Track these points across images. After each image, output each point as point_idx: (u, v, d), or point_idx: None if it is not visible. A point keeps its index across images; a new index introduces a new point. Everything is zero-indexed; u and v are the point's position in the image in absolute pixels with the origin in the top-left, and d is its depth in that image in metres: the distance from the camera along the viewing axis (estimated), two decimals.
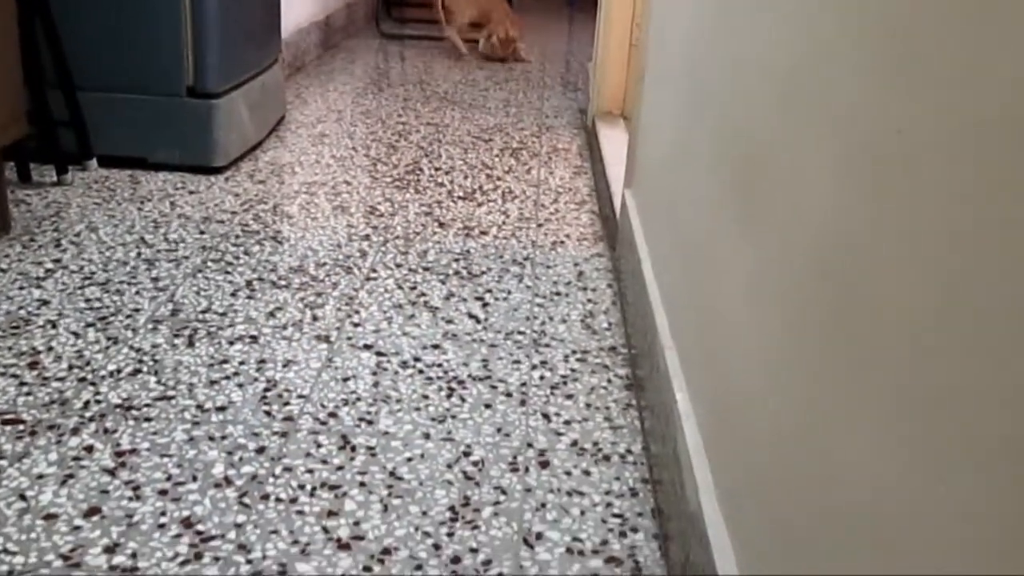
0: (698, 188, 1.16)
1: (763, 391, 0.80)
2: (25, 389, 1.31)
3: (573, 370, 1.46)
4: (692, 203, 1.18)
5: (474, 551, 1.05)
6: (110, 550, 1.02)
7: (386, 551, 1.05)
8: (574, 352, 1.52)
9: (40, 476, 1.14)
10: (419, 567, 1.02)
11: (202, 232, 1.92)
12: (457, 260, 1.86)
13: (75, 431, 1.23)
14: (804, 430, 0.68)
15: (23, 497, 1.10)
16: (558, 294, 1.74)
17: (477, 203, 2.21)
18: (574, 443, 1.27)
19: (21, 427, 1.23)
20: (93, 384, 1.34)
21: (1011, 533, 0.41)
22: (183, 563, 1.01)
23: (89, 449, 1.19)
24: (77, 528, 1.05)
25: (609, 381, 1.43)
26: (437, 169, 2.46)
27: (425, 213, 2.13)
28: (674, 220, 1.30)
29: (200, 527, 1.06)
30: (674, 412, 1.09)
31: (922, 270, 0.51)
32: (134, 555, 1.02)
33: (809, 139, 0.73)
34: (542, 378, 1.43)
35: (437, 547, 1.05)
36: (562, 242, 2.00)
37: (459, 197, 2.25)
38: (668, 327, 1.25)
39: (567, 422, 1.31)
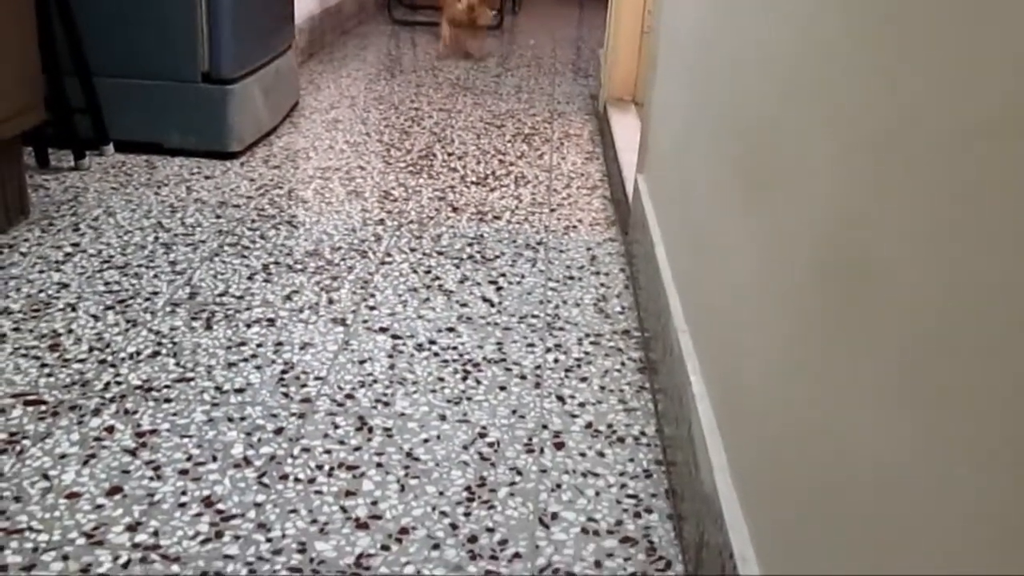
0: (708, 174, 1.16)
1: (775, 373, 0.80)
2: (47, 371, 1.33)
3: (587, 353, 1.47)
4: (702, 188, 1.19)
5: (490, 530, 1.07)
6: (132, 528, 1.04)
7: (403, 530, 1.06)
8: (588, 335, 1.53)
9: (63, 456, 1.15)
10: (436, 546, 1.04)
11: (218, 216, 1.94)
12: (471, 244, 1.87)
13: (96, 412, 1.24)
14: (816, 411, 0.69)
15: (46, 476, 1.12)
16: (571, 278, 1.75)
17: (490, 188, 2.22)
18: (588, 425, 1.28)
19: (43, 408, 1.25)
20: (113, 366, 1.35)
21: (1012, 522, 0.42)
22: (204, 541, 1.03)
23: (110, 430, 1.21)
24: (100, 507, 1.07)
25: (623, 364, 1.44)
26: (450, 154, 2.47)
27: (439, 198, 2.14)
28: (686, 205, 1.31)
29: (220, 506, 1.08)
30: (688, 394, 1.10)
31: (925, 256, 0.52)
32: (156, 533, 1.04)
33: (814, 128, 0.74)
34: (556, 361, 1.44)
35: (454, 526, 1.07)
36: (575, 227, 2.01)
37: (472, 182, 2.26)
38: (682, 310, 1.26)
39: (581, 404, 1.33)
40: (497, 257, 1.82)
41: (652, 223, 1.59)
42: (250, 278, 1.66)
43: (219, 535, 1.04)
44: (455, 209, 2.07)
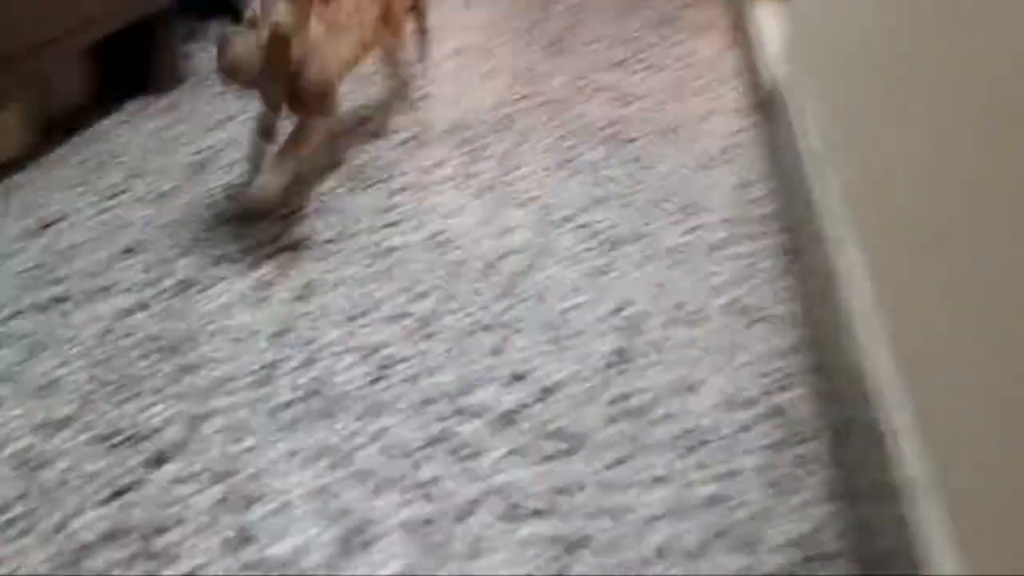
0: (860, 53, 1.14)
1: (938, 243, 0.80)
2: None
3: (729, 234, 1.47)
4: (854, 69, 1.16)
5: (638, 393, 1.10)
6: (297, 369, 1.11)
7: (552, 387, 1.10)
8: (728, 219, 1.53)
9: (230, 304, 1.23)
10: (585, 403, 1.08)
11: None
12: (607, 127, 1.87)
13: (262, 262, 1.31)
14: (983, 280, 0.69)
15: (216, 321, 1.19)
16: (711, 160, 1.74)
17: (625, 73, 2.20)
18: (732, 302, 1.29)
19: (214, 255, 1.32)
20: (277, 221, 1.42)
21: None
22: (373, 381, 1.09)
23: (273, 280, 1.28)
24: (266, 349, 1.14)
25: (765, 246, 1.44)
26: (583, 40, 2.45)
27: (575, 80, 2.13)
28: (836, 90, 1.28)
29: (384, 352, 1.14)
30: (840, 274, 1.10)
31: None
32: (318, 378, 1.10)
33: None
34: (699, 240, 1.45)
35: (603, 385, 1.11)
36: (713, 112, 1.99)
37: (607, 67, 2.24)
38: (837, 191, 1.25)
39: (724, 282, 1.34)
40: (634, 140, 1.82)
41: (794, 110, 1.56)
42: (395, 149, 1.71)
43: (384, 378, 1.10)
44: (591, 92, 2.07)
